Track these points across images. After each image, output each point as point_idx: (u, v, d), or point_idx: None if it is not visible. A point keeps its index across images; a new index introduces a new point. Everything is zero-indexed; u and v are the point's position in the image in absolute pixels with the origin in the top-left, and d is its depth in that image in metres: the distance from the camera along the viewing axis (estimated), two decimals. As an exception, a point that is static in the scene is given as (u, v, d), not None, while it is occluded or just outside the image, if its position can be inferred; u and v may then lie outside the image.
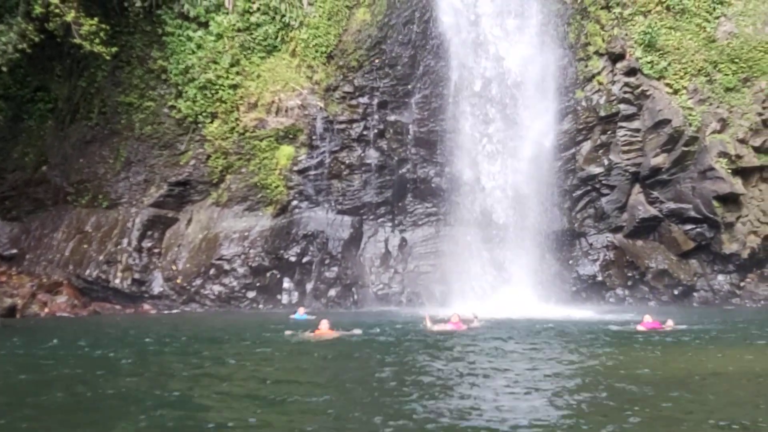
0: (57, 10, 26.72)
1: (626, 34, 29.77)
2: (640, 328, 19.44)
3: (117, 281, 28.97)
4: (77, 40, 27.25)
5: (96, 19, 27.28)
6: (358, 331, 18.63)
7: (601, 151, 29.95)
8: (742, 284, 30.09)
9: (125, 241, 29.35)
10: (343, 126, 30.00)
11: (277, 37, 30.17)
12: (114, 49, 28.15)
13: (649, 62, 29.50)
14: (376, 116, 30.05)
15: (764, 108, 29.40)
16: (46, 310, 27.57)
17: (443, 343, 16.44)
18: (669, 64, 29.55)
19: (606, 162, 29.87)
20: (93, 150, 30.34)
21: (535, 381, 11.29)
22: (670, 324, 19.69)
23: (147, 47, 30.07)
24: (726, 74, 29.53)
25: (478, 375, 11.92)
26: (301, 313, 24.57)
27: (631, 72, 29.54)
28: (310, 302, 28.89)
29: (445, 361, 13.62)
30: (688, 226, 29.86)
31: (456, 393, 10.23)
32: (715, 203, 29.17)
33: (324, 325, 18.26)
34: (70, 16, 26.80)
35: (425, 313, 20.92)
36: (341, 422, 8.71)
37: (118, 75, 30.11)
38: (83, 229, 29.83)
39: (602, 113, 29.59)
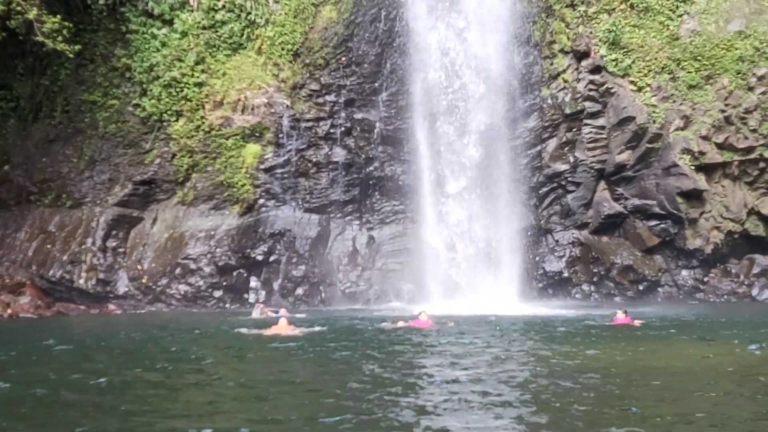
0: (19, 8, 26.40)
1: (591, 32, 29.97)
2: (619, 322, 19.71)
3: (81, 281, 28.70)
4: (40, 38, 26.94)
5: (59, 16, 27.03)
6: (317, 328, 18.61)
7: (566, 149, 30.14)
8: (705, 279, 30.44)
9: (89, 240, 29.07)
10: (309, 124, 29.92)
11: (242, 35, 30.02)
12: (77, 47, 27.91)
13: (613, 60, 29.72)
14: (342, 114, 30.02)
15: (726, 105, 29.69)
16: (9, 311, 27.19)
17: (402, 341, 16.44)
18: (633, 62, 29.79)
19: (571, 159, 30.07)
20: (56, 149, 30.02)
21: (492, 378, 11.31)
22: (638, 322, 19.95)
23: (111, 45, 29.79)
24: (689, 72, 29.82)
25: (429, 372, 11.93)
26: (281, 312, 24.44)
27: (596, 70, 29.75)
28: (278, 301, 28.78)
29: (402, 360, 13.62)
30: (653, 222, 30.16)
31: (406, 392, 10.18)
32: (678, 199, 29.48)
33: (282, 321, 18.23)
34: (32, 14, 26.51)
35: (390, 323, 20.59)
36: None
37: (81, 73, 29.82)
38: (47, 228, 29.51)
39: (567, 111, 29.77)
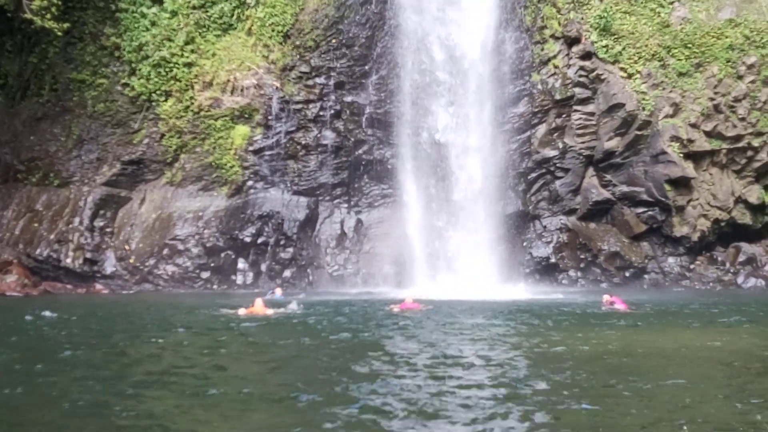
0: (7, -16, 26.21)
1: (582, 18, 29.92)
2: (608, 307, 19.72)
3: (68, 261, 28.65)
4: (28, 15, 26.81)
5: (47, -7, 26.78)
6: (293, 306, 18.65)
7: (555, 134, 30.15)
8: (691, 266, 30.60)
9: (77, 220, 29.01)
10: (299, 106, 29.85)
11: (233, 15, 29.90)
12: (66, 25, 27.79)
13: (604, 46, 29.69)
14: (332, 97, 29.93)
15: (716, 93, 29.75)
16: (-5, 289, 27.15)
17: (387, 324, 16.48)
18: (624, 49, 29.77)
19: (561, 145, 30.08)
20: (44, 127, 29.88)
21: (475, 361, 11.34)
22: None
23: (100, 23, 29.62)
24: (679, 59, 29.84)
25: (406, 356, 11.95)
26: (279, 294, 24.59)
27: (587, 56, 29.72)
28: (265, 283, 28.81)
29: (384, 344, 13.67)
30: (640, 209, 30.27)
31: (382, 377, 10.14)
32: (666, 187, 29.57)
33: (258, 303, 18.21)
34: (20, -9, 26.31)
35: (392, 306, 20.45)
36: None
37: (70, 51, 29.64)
38: (34, 207, 29.42)
39: (557, 96, 29.75)
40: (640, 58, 29.81)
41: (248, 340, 13.59)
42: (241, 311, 17.97)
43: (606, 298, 20.30)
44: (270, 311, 18.04)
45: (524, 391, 8.70)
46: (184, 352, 12.07)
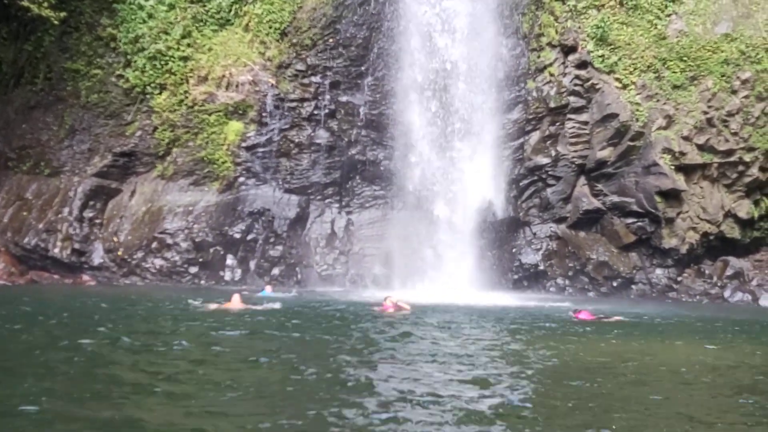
0: (4, -29, 26.13)
1: (579, 27, 29.97)
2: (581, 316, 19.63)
3: (56, 250, 28.54)
4: (25, 3, 26.79)
5: (44, -18, 26.74)
6: (275, 305, 18.65)
7: (548, 142, 30.18)
8: (679, 279, 30.67)
9: (66, 210, 28.90)
10: (294, 104, 29.83)
11: (230, 11, 29.87)
12: (62, 14, 27.82)
13: (600, 56, 29.76)
14: (327, 96, 29.91)
15: (709, 107, 29.83)
16: (-18, 276, 27.06)
17: (364, 326, 16.47)
18: (619, 59, 29.84)
19: (553, 153, 30.11)
20: (37, 116, 29.78)
21: (455, 366, 11.36)
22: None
23: (97, 14, 29.55)
24: (674, 72, 29.91)
25: (381, 359, 11.95)
26: (268, 291, 24.57)
27: (582, 65, 29.77)
28: (253, 280, 28.78)
29: (357, 345, 13.66)
30: (630, 220, 30.32)
31: (349, 382, 10.11)
32: (657, 198, 29.64)
33: (235, 298, 18.21)
34: (17, -22, 26.24)
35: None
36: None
37: (65, 41, 29.56)
38: (23, 196, 29.31)
39: (552, 104, 29.79)
40: (635, 69, 29.89)
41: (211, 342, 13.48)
42: (215, 306, 17.94)
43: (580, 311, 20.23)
44: (245, 307, 17.98)
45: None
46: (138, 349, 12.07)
